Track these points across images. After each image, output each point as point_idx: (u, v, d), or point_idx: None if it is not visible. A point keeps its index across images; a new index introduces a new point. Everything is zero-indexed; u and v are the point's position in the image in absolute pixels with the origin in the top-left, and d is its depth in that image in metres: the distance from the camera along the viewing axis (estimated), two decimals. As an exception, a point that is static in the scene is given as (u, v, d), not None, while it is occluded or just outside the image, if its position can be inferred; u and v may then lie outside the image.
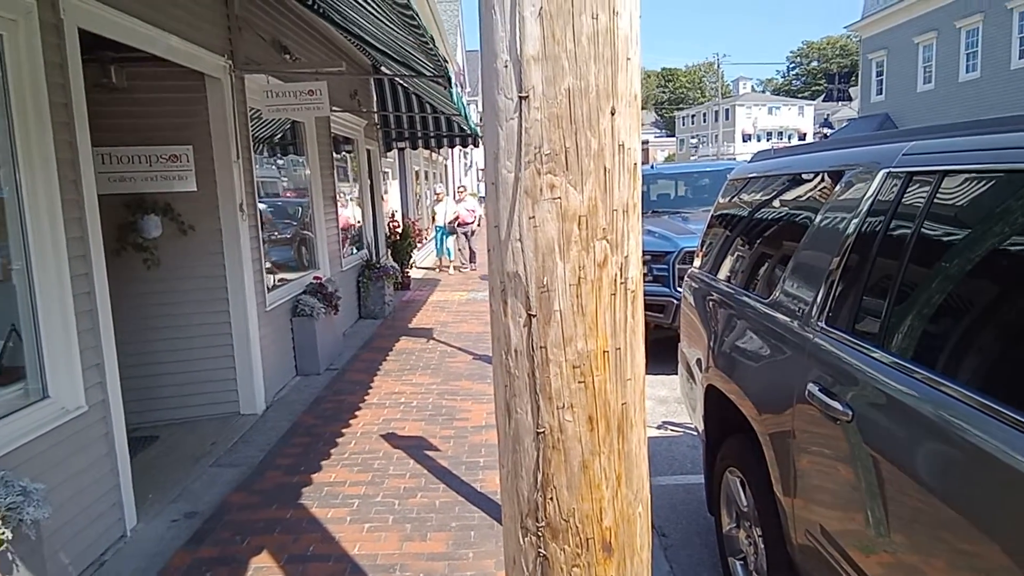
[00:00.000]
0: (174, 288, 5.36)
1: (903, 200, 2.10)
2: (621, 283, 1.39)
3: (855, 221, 2.33)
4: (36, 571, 2.62)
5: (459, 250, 14.82)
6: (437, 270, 14.93)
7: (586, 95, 1.29)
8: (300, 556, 3.44)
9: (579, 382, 1.40)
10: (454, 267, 14.69)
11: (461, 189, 16.46)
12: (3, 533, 2.37)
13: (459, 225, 14.62)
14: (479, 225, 14.92)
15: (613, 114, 1.31)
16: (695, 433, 5.09)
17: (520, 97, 1.30)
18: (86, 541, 3.37)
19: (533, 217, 1.35)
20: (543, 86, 1.29)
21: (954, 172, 1.90)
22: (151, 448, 4.92)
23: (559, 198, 1.33)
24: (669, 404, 5.78)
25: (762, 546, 2.73)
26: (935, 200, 1.95)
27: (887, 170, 2.22)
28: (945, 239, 1.94)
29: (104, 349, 3.61)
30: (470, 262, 14.74)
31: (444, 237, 14.88)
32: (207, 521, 3.85)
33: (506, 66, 1.31)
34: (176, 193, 5.23)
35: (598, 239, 1.35)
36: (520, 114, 1.31)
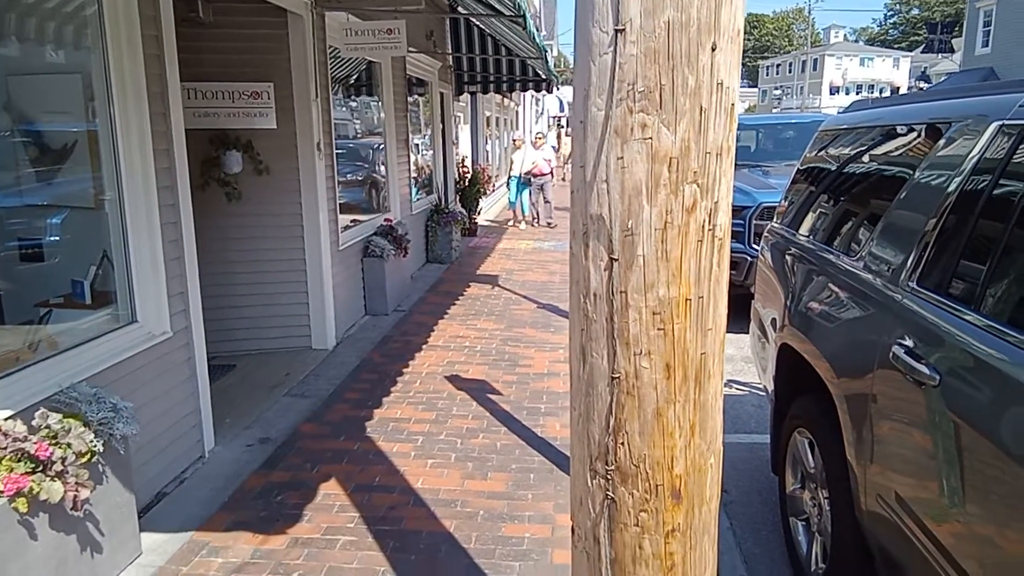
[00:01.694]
0: (253, 224, 5.52)
1: (1014, 157, 1.95)
2: (709, 230, 1.34)
3: (958, 178, 2.19)
4: (124, 482, 2.80)
5: (532, 204, 13.49)
6: (510, 223, 13.73)
7: (686, 29, 1.23)
8: (366, 486, 3.57)
9: (658, 329, 1.37)
10: (526, 222, 13.54)
11: (540, 136, 14.74)
12: (95, 445, 2.53)
13: (535, 176, 13.16)
14: (560, 178, 13.81)
15: (714, 50, 1.24)
16: (761, 393, 5.00)
17: (616, 30, 1.25)
18: (168, 459, 3.58)
19: (622, 158, 1.31)
20: (641, 18, 1.23)
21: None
22: (228, 376, 5.15)
23: (650, 138, 1.28)
24: (735, 363, 5.68)
25: (828, 508, 2.68)
26: (1053, 157, 1.81)
27: (1000, 122, 2.06)
28: (1061, 199, 1.80)
29: (188, 278, 3.76)
30: (546, 217, 13.39)
31: (520, 188, 13.59)
32: (279, 447, 4.02)
33: (602, -3, 1.25)
34: (257, 130, 5.33)
35: (688, 182, 1.30)
36: (615, 48, 1.26)
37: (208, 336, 4.00)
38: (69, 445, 2.38)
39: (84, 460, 2.44)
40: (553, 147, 15.35)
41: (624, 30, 1.24)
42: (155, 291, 3.50)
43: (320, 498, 3.44)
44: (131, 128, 3.35)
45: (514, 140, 15.07)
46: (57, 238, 3.55)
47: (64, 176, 3.54)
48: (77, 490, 2.36)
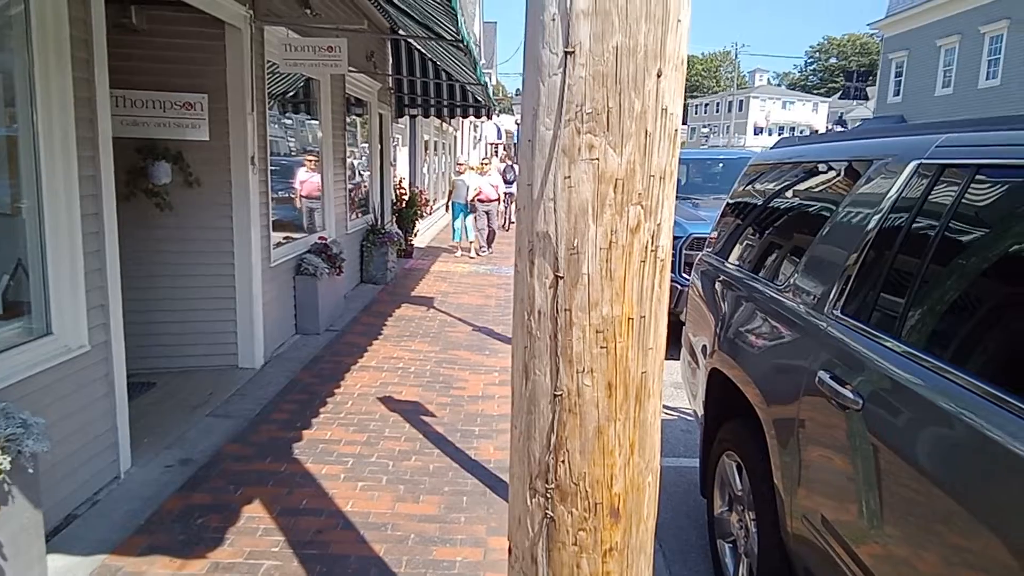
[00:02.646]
0: (181, 237, 5.34)
1: (931, 193, 2.07)
2: (652, 250, 1.38)
3: (878, 215, 2.31)
4: (31, 503, 2.63)
5: (478, 231, 12.88)
6: (457, 252, 12.95)
7: (634, 54, 1.26)
8: (293, 509, 3.45)
9: (601, 347, 1.39)
10: (474, 250, 12.89)
11: (486, 161, 14.19)
12: (2, 462, 2.37)
13: (480, 202, 12.69)
14: (503, 203, 13.12)
15: (659, 76, 1.28)
16: (689, 417, 5.11)
17: (566, 52, 1.27)
18: (81, 479, 3.38)
19: (569, 177, 1.33)
20: (591, 42, 1.26)
21: (990, 167, 1.87)
22: (148, 394, 4.93)
23: (597, 159, 1.31)
24: (665, 388, 5.79)
25: (754, 530, 2.74)
26: (965, 195, 1.93)
27: (918, 161, 2.20)
28: (975, 233, 1.92)
29: (110, 291, 3.60)
30: (488, 245, 13.01)
31: (464, 215, 13.08)
32: (201, 469, 3.86)
33: (554, 19, 1.28)
34: (188, 142, 5.18)
35: (633, 204, 1.34)
36: (564, 70, 1.29)
37: (129, 352, 3.83)
38: (-28, 463, 2.23)
39: (-12, 479, 2.28)
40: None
41: (574, 52, 1.27)
42: (73, 303, 3.33)
43: (243, 521, 3.32)
44: (54, 133, 3.20)
45: (459, 164, 14.30)
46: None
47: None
48: (-21, 512, 2.20)
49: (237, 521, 3.32)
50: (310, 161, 7.65)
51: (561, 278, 1.37)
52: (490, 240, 13.06)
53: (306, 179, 7.63)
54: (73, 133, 3.27)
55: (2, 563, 2.47)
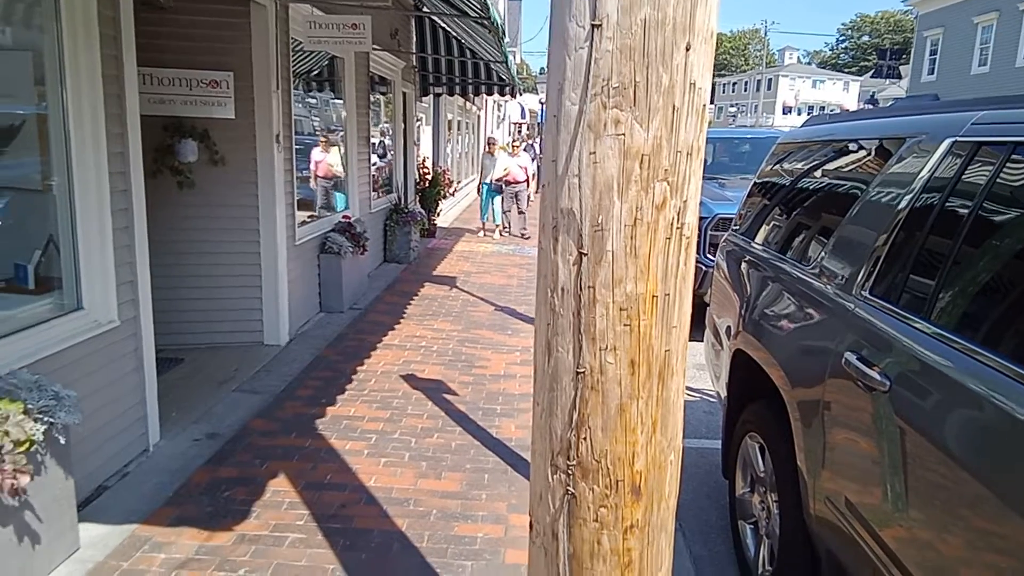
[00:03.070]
0: (207, 215, 5.39)
1: (966, 171, 2.03)
2: (677, 228, 1.36)
3: (915, 186, 2.27)
4: (64, 473, 2.70)
5: (505, 212, 12.69)
6: (480, 233, 12.71)
7: (662, 27, 1.24)
8: (317, 483, 3.50)
9: (624, 325, 1.38)
10: (499, 232, 12.68)
11: (516, 143, 13.58)
12: (35, 433, 2.43)
13: (507, 184, 12.42)
14: (530, 187, 12.73)
15: (688, 50, 1.26)
16: (712, 399, 5.09)
17: (593, 25, 1.25)
18: (111, 451, 3.46)
19: (594, 153, 1.32)
20: (618, 14, 1.24)
21: (1028, 144, 1.82)
22: (176, 369, 5.01)
23: (623, 134, 1.30)
24: (688, 370, 5.74)
25: (776, 512, 2.73)
26: (1001, 174, 1.88)
27: (953, 139, 2.14)
28: (1009, 213, 1.88)
29: (138, 267, 3.65)
30: (519, 228, 12.66)
31: (491, 196, 12.74)
32: (228, 443, 3.93)
33: (580, -9, 1.26)
34: (214, 120, 5.22)
35: (659, 180, 1.32)
36: (591, 43, 1.27)
37: (157, 328, 3.89)
38: (7, 433, 2.28)
39: (23, 448, 2.34)
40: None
41: (601, 25, 1.25)
42: (103, 278, 3.39)
43: (269, 495, 3.37)
44: (83, 110, 3.24)
45: (489, 144, 13.56)
46: (-1, 222, 3.41)
47: (8, 158, 3.40)
48: (15, 477, 2.26)
49: (263, 494, 3.37)
50: (324, 141, 7.56)
51: (585, 255, 1.36)
52: (522, 223, 12.71)
53: (321, 159, 7.58)
54: (102, 110, 3.31)
55: (37, 530, 2.54)
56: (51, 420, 2.54)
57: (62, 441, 2.65)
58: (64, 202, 3.28)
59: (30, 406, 2.46)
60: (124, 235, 3.54)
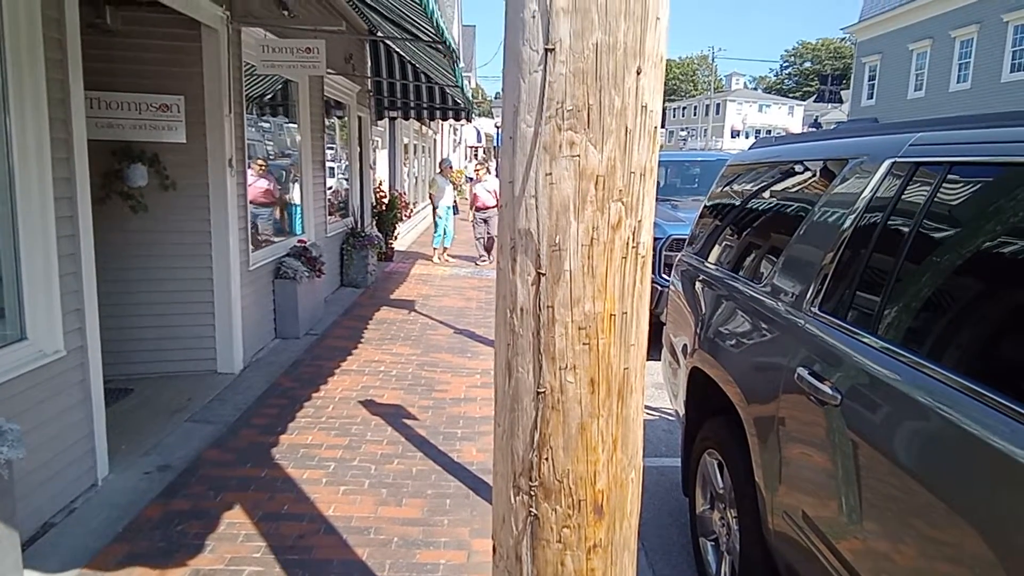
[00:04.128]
0: (157, 241, 5.28)
1: (906, 191, 2.11)
2: (633, 247, 1.38)
3: (858, 205, 2.35)
4: (6, 512, 2.58)
5: (477, 239, 12.40)
6: (437, 259, 12.25)
7: (614, 51, 1.27)
8: (274, 514, 3.42)
9: (584, 344, 1.39)
10: (479, 260, 12.26)
11: (479, 167, 13.23)
12: (-24, 471, 2.33)
13: (478, 209, 12.23)
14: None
15: (639, 74, 1.29)
16: (671, 418, 5.14)
17: (547, 49, 1.28)
18: (57, 487, 3.33)
19: (550, 174, 1.34)
20: (571, 39, 1.27)
21: (963, 164, 1.91)
22: (125, 400, 4.86)
23: (578, 156, 1.32)
24: (647, 389, 5.82)
25: (736, 528, 2.76)
26: (939, 192, 1.97)
27: (892, 159, 2.23)
28: (948, 230, 1.96)
29: (85, 294, 3.54)
30: (487, 252, 12.13)
31: (445, 218, 12.41)
32: (180, 475, 3.81)
33: (534, 16, 1.29)
34: (165, 144, 5.13)
35: (614, 200, 1.34)
36: (545, 67, 1.29)
37: (105, 357, 3.78)
38: (-56, 471, 2.18)
39: (-39, 487, 2.23)
40: (469, 178, 14.60)
41: (554, 49, 1.28)
42: (47, 307, 3.28)
43: (224, 527, 3.28)
44: (27, 134, 3.15)
45: (478, 165, 12.92)
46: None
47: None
48: (-48, 520, 2.15)
49: (218, 527, 3.28)
50: (258, 165, 7.25)
51: (543, 275, 1.37)
52: (489, 248, 12.16)
53: (251, 183, 7.30)
54: (47, 134, 3.23)
55: (-24, 572, 2.42)
56: (-8, 456, 2.43)
57: (4, 477, 2.54)
58: (6, 228, 3.18)
59: (-31, 441, 2.36)
60: (70, 262, 3.44)
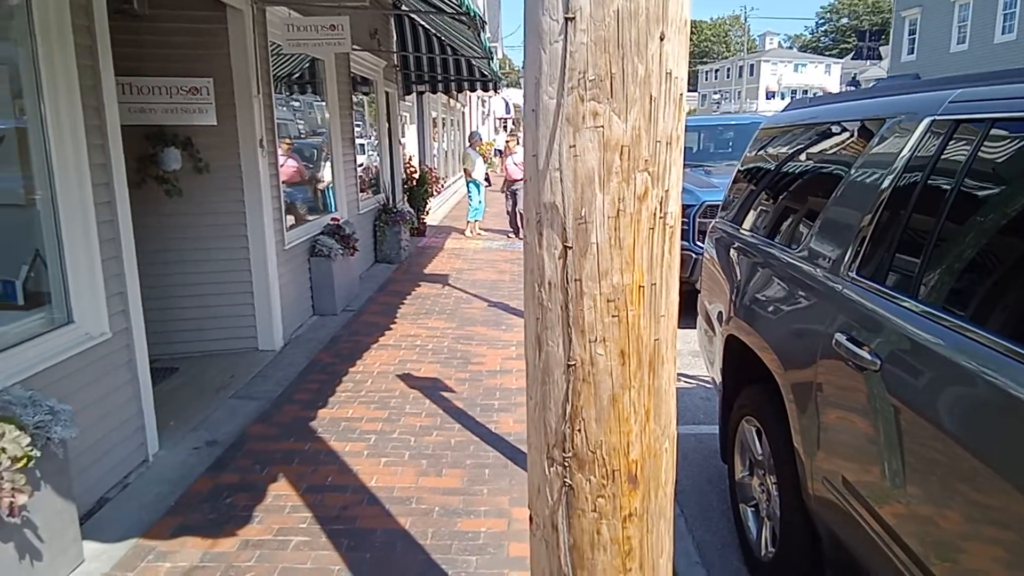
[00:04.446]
0: (194, 223, 5.37)
1: (946, 149, 2.04)
2: (660, 217, 1.37)
3: (892, 174, 2.28)
4: (63, 488, 2.69)
5: (508, 213, 12.35)
6: (470, 232, 12.17)
7: (635, 18, 1.25)
8: (318, 486, 3.51)
9: (613, 316, 1.39)
10: (511, 233, 12.21)
11: (509, 139, 13.06)
12: (32, 449, 2.42)
13: (509, 183, 12.09)
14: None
15: (662, 40, 1.27)
16: (708, 385, 5.12)
17: (566, 18, 1.26)
18: (110, 463, 3.45)
19: (574, 146, 1.32)
20: (591, 7, 1.24)
21: (1006, 120, 1.84)
22: (171, 379, 5.00)
23: (601, 127, 1.30)
24: (683, 357, 5.79)
25: (775, 494, 2.76)
26: (981, 150, 1.90)
27: (932, 118, 2.16)
28: (988, 189, 1.89)
29: (127, 278, 3.64)
30: (518, 228, 11.81)
31: (477, 191, 12.40)
32: (227, 450, 3.93)
33: (554, -15, 1.26)
34: (197, 127, 5.19)
35: (639, 171, 1.33)
36: (565, 37, 1.27)
37: (150, 338, 3.88)
38: (4, 450, 2.28)
39: (20, 465, 2.33)
40: (498, 151, 14.51)
41: (574, 18, 1.26)
42: (92, 291, 3.37)
43: (271, 499, 3.38)
44: (63, 122, 3.22)
45: (509, 136, 12.82)
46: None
47: (-8, 174, 3.38)
48: (13, 496, 2.26)
49: (264, 499, 3.38)
50: (286, 145, 7.23)
51: (570, 248, 1.37)
52: (519, 221, 11.88)
53: (282, 163, 7.30)
54: (81, 121, 3.29)
55: (39, 546, 2.54)
56: (48, 436, 2.53)
57: (60, 456, 2.65)
58: (48, 216, 3.27)
59: (26, 422, 2.45)
60: (111, 246, 3.52)
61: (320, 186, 7.90)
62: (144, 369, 3.75)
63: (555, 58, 1.30)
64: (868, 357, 2.04)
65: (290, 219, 6.34)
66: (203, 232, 5.41)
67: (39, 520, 2.53)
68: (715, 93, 75.10)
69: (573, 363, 1.42)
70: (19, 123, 3.23)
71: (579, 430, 1.45)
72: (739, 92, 68.71)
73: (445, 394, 4.76)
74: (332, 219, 7.34)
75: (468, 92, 14.47)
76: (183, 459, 3.81)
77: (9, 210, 3.40)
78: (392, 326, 6.48)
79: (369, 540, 3.04)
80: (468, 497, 3.41)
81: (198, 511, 3.27)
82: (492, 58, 8.77)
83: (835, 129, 3.01)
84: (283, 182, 6.18)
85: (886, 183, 2.30)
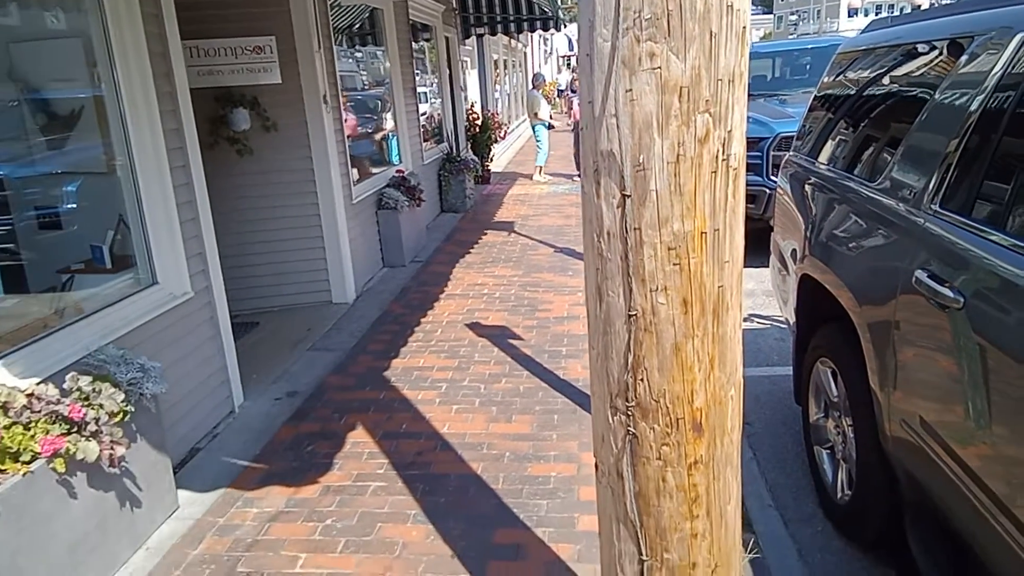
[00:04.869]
0: (265, 181, 5.51)
1: (1042, 67, 1.87)
2: (723, 160, 1.31)
3: (981, 95, 2.12)
4: (156, 440, 2.88)
5: (575, 155, 12.22)
6: (538, 176, 12.08)
7: (691, -51, 1.17)
8: (393, 433, 3.63)
9: (674, 264, 1.36)
10: (539, 172, 12.23)
11: (575, 76, 13.49)
12: (127, 404, 2.59)
13: (577, 123, 11.86)
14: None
15: (721, -30, 1.19)
16: (782, 326, 4.99)
17: (618, -46, 1.20)
18: (200, 415, 3.66)
19: (630, 90, 1.27)
20: (644, -60, 1.18)
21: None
22: (252, 333, 5.22)
23: (659, 68, 1.25)
24: (756, 297, 5.65)
25: (852, 436, 2.69)
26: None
27: (1025, 33, 1.98)
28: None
29: (205, 238, 3.78)
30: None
31: (537, 134, 12.26)
32: (307, 400, 4.10)
33: (603, -80, 1.20)
34: (262, 86, 5.28)
35: (700, 112, 1.27)
36: (618, -26, 1.21)
37: (229, 295, 4.05)
38: (101, 406, 2.44)
39: (117, 419, 2.50)
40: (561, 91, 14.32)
41: (627, -46, 1.20)
42: (173, 252, 3.53)
43: (349, 447, 3.52)
44: (135, 90, 3.32)
45: (534, 80, 12.74)
46: (74, 205, 3.57)
47: (74, 143, 3.54)
48: (112, 448, 2.42)
49: (343, 447, 3.52)
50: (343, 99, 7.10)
51: (628, 197, 1.33)
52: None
53: (346, 119, 7.22)
54: (153, 88, 3.38)
55: (138, 494, 2.73)
56: (140, 392, 2.70)
57: (152, 410, 2.82)
58: (128, 182, 3.41)
59: (119, 379, 2.62)
60: (188, 209, 3.66)
61: (384, 138, 7.93)
62: (226, 325, 3.93)
63: (607, -2, 1.25)
64: (951, 295, 1.93)
65: (355, 173, 6.42)
66: (275, 190, 5.55)
67: (136, 470, 2.72)
68: (792, 14, 71.11)
69: (634, 313, 1.40)
70: (97, 92, 3.36)
71: (641, 379, 1.44)
72: (818, 11, 64.80)
73: (513, 341, 4.80)
74: (397, 171, 7.39)
75: (528, 32, 14.12)
76: (266, 410, 4.01)
77: (93, 178, 3.56)
78: (459, 276, 6.55)
79: (443, 485, 3.14)
80: (537, 443, 3.46)
81: (282, 459, 3.44)
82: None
83: (919, 49, 2.81)
84: (348, 136, 6.24)
85: (975, 105, 2.14)
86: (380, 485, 3.17)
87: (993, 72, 2.11)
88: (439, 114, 10.47)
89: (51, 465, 2.27)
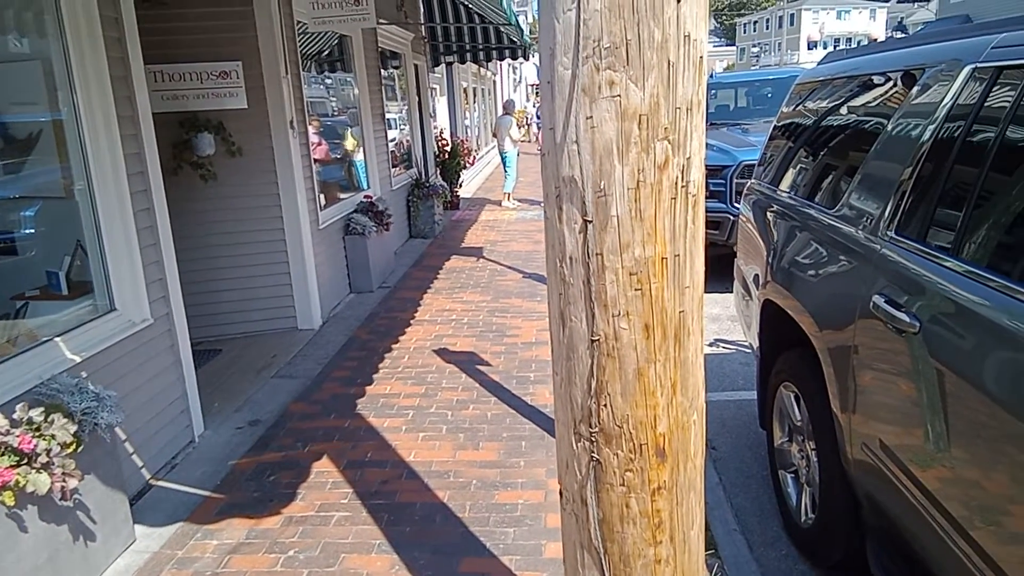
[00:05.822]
0: (230, 206, 5.45)
1: (988, 97, 1.94)
2: (682, 186, 1.33)
3: (933, 125, 2.18)
4: (112, 471, 2.79)
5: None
6: (507, 200, 12.17)
7: (649, -20, 1.20)
8: (358, 462, 3.57)
9: (636, 289, 1.36)
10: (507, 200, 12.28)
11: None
12: (80, 435, 2.51)
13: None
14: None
15: (679, 1, 1.21)
16: (747, 350, 5.04)
17: (577, -16, 1.21)
18: (158, 445, 3.56)
19: (591, 117, 1.29)
20: (602, -29, 1.20)
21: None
22: (215, 360, 5.13)
23: (618, 96, 1.26)
24: (721, 322, 5.72)
25: (815, 459, 2.72)
26: (1025, 98, 1.80)
27: (973, 65, 2.05)
28: (1035, 140, 1.80)
29: (166, 264, 3.71)
30: None
31: (505, 161, 12.34)
32: (270, 428, 4.02)
33: (562, -49, 1.22)
34: (228, 111, 5.24)
35: (659, 139, 1.28)
36: (578, 4, 1.23)
37: (191, 321, 3.97)
38: (53, 436, 2.36)
39: (70, 450, 2.42)
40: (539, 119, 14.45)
41: (587, -16, 1.21)
42: (132, 279, 3.45)
43: (312, 476, 3.45)
44: (96, 113, 3.27)
45: (505, 106, 12.82)
46: (31, 230, 3.49)
47: (32, 167, 3.46)
48: (64, 480, 2.34)
49: (307, 477, 3.45)
50: (315, 124, 7.18)
51: (590, 222, 1.34)
52: None
53: (315, 143, 7.21)
54: (113, 112, 3.34)
55: (92, 527, 2.64)
56: (95, 422, 2.61)
57: (108, 440, 2.74)
58: (87, 206, 3.34)
59: (73, 409, 2.54)
60: (148, 234, 3.59)
61: (352, 164, 7.91)
62: (187, 353, 3.85)
63: (569, 27, 1.26)
64: (907, 319, 1.97)
65: (323, 198, 6.38)
66: (239, 215, 5.49)
67: (91, 502, 2.63)
68: (754, 46, 73.05)
69: (597, 338, 1.40)
70: (56, 116, 3.30)
71: (605, 405, 1.43)
72: (779, 44, 66.75)
73: (481, 367, 4.78)
74: (365, 196, 7.37)
75: (498, 61, 14.29)
76: (228, 439, 3.92)
77: (50, 202, 3.49)
78: (428, 301, 6.52)
79: (408, 514, 3.09)
80: (505, 470, 3.43)
81: (243, 489, 3.36)
82: (518, 24, 8.62)
83: (874, 80, 2.89)
84: (315, 161, 6.20)
85: (927, 134, 2.21)
86: (344, 515, 3.10)
87: (943, 103, 2.18)
88: (408, 140, 10.49)
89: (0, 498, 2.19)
